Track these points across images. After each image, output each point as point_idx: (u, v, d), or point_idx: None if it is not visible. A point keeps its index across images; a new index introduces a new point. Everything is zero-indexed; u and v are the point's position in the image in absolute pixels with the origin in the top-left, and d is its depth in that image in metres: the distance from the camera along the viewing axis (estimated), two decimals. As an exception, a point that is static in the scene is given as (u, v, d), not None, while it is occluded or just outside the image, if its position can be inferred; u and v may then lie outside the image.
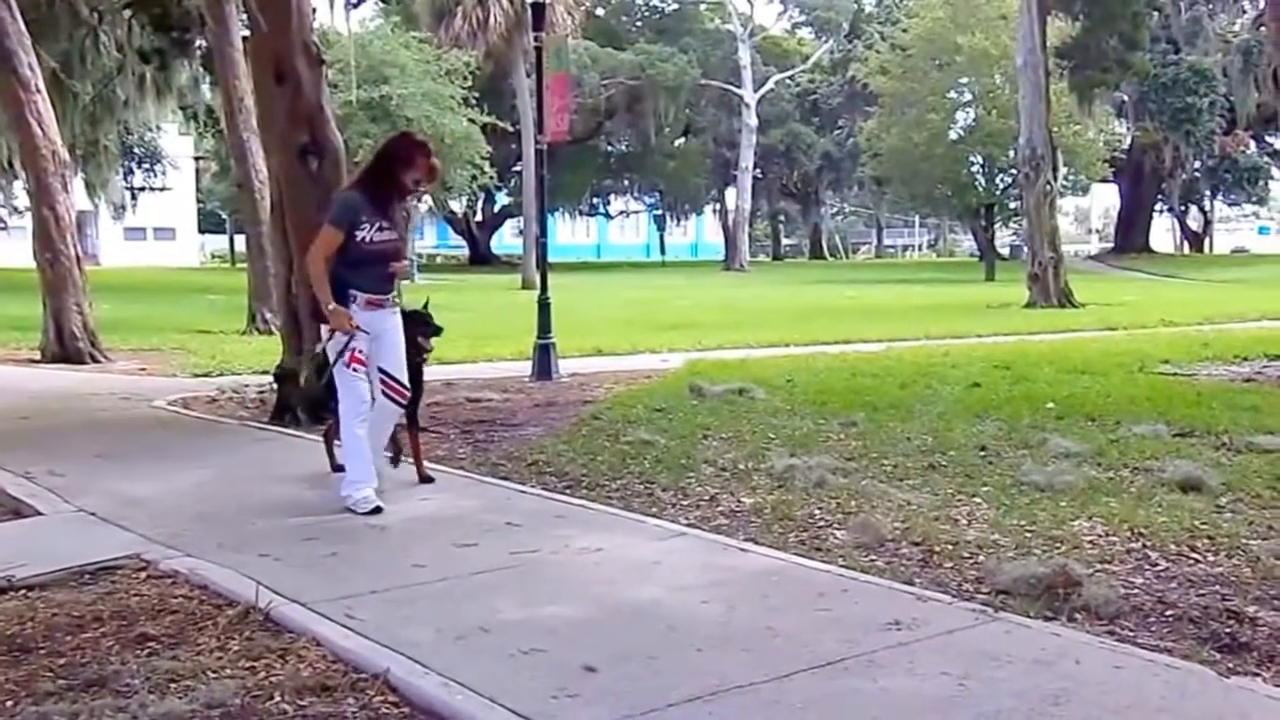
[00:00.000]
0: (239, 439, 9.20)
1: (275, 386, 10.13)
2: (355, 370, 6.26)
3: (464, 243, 69.01)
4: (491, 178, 29.65)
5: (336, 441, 6.88)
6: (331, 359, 6.32)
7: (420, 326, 6.93)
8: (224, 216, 62.21)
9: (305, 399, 9.30)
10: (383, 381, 6.40)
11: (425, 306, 7.12)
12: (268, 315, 18.88)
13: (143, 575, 5.19)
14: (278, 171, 10.06)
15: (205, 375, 13.67)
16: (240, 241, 42.32)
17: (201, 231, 73.36)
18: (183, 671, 3.96)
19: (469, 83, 28.63)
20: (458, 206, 59.47)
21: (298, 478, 7.46)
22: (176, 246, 66.47)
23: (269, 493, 6.98)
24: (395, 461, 7.22)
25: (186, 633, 4.39)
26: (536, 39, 14.07)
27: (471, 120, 28.14)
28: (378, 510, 6.17)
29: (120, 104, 27.29)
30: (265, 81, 9.94)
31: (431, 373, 13.09)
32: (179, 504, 6.68)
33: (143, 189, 54.33)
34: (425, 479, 7.03)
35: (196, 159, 59.79)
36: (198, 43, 21.03)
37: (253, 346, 16.93)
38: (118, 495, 6.86)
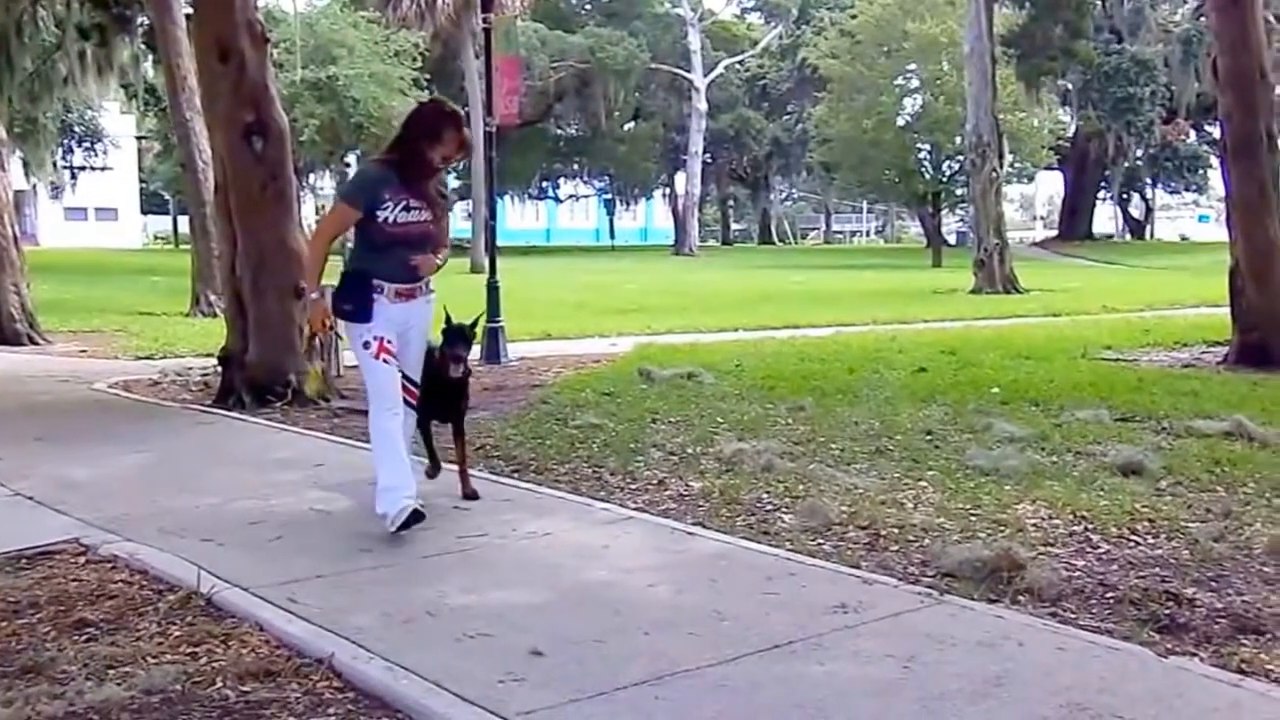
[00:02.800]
0: (182, 422, 9.08)
1: (219, 369, 10.01)
2: (387, 361, 5.44)
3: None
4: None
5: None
6: (354, 344, 5.53)
7: (456, 345, 5.96)
8: (167, 197, 61.35)
9: (249, 381, 9.22)
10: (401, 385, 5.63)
11: (474, 324, 6.23)
12: (212, 297, 18.66)
13: (81, 560, 5.11)
14: (222, 151, 9.93)
15: (147, 358, 13.49)
16: (184, 222, 41.79)
17: (144, 212, 72.32)
18: (122, 657, 3.90)
19: (418, 64, 28.40)
20: (405, 189, 59.03)
21: (242, 461, 7.38)
22: (118, 227, 65.49)
23: (213, 476, 6.89)
24: (433, 472, 6.36)
25: (126, 618, 4.32)
26: (485, 20, 13.96)
27: (420, 102, 28.00)
28: (419, 516, 5.26)
29: (60, 81, 26.79)
30: (209, 60, 9.81)
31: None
32: (120, 488, 6.59)
33: (83, 168, 53.49)
34: (471, 494, 6.08)
35: (139, 138, 58.90)
36: (139, 19, 20.72)
37: (196, 329, 16.74)
38: (56, 479, 6.75)
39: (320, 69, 26.29)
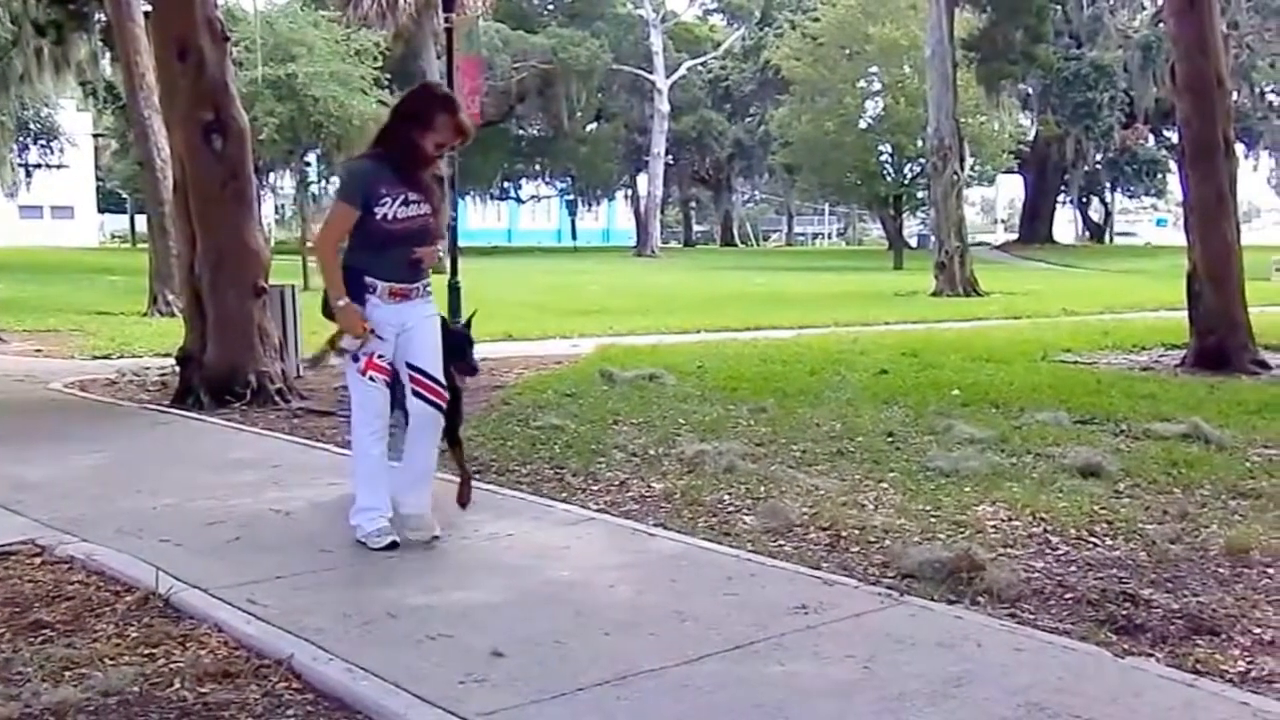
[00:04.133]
0: (139, 422, 8.99)
1: (177, 369, 9.92)
2: (374, 379, 5.07)
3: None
4: (400, 160, 29.30)
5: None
6: (346, 358, 5.19)
7: (459, 357, 5.52)
8: (124, 196, 60.70)
9: (208, 381, 9.14)
10: (415, 380, 5.14)
11: (468, 324, 5.94)
12: (170, 297, 18.49)
13: (37, 561, 5.04)
14: (181, 150, 9.84)
15: (104, 357, 13.35)
16: (141, 221, 41.40)
17: (101, 211, 71.59)
18: (78, 659, 3.85)
19: (379, 63, 28.23)
20: (366, 189, 58.67)
21: (200, 462, 7.31)
22: (75, 226, 64.77)
23: (171, 477, 6.82)
24: (463, 501, 5.79)
25: (83, 620, 4.27)
26: (447, 20, 13.95)
27: (381, 102, 27.72)
28: (394, 545, 5.05)
29: (16, 78, 26.50)
30: (168, 58, 9.72)
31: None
32: (76, 488, 6.51)
33: (39, 166, 52.86)
34: (464, 503, 5.76)
35: (96, 136, 58.19)
36: (97, 16, 20.51)
37: (154, 328, 16.57)
38: (11, 479, 6.65)
39: (280, 67, 26.07)
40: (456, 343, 5.53)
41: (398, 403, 5.25)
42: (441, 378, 5.20)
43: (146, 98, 18.10)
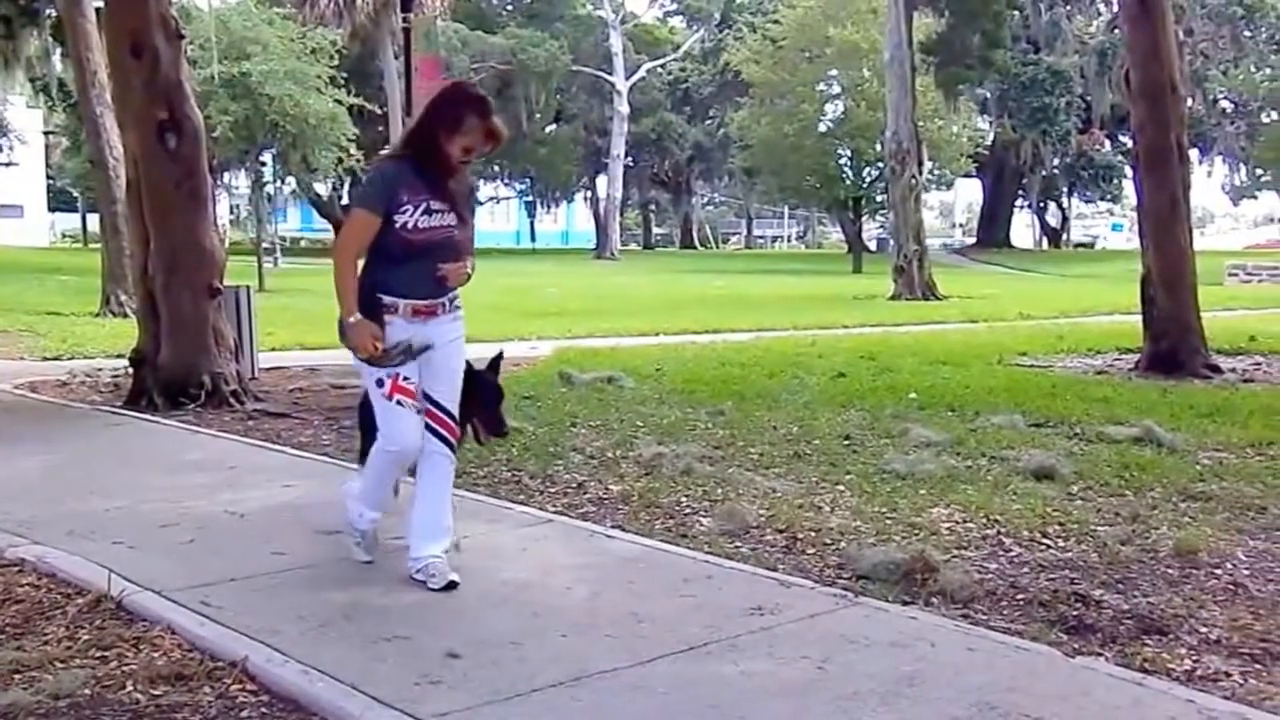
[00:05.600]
0: (91, 424, 8.90)
1: (130, 370, 9.83)
2: (402, 403, 4.60)
3: (329, 227, 67.76)
4: (358, 160, 29.04)
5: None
6: (367, 382, 4.70)
7: (484, 409, 5.01)
8: (76, 194, 60.00)
9: (161, 383, 9.05)
10: (430, 414, 4.71)
11: (496, 366, 5.24)
12: (123, 297, 18.27)
13: (-14, 564, 4.99)
14: (134, 148, 9.74)
15: (55, 358, 13.18)
16: (93, 220, 40.91)
17: (52, 210, 70.60)
18: (28, 662, 3.81)
19: (335, 62, 28.02)
20: (323, 189, 58.20)
21: (154, 463, 7.25)
22: (24, 225, 63.74)
23: (123, 479, 6.75)
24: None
25: (33, 622, 4.23)
26: (405, 20, 13.84)
27: (338, 101, 27.54)
28: (370, 562, 4.87)
29: (-36, 74, 26.15)
30: (120, 55, 9.61)
31: (295, 358, 12.94)
32: (27, 490, 6.43)
33: (-12, 164, 52.15)
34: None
35: (47, 134, 57.45)
36: (48, 11, 20.27)
37: (107, 329, 16.38)
38: (-40, 481, 6.57)
39: (234, 65, 25.82)
40: (484, 393, 4.99)
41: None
42: (456, 412, 4.76)
43: (98, 95, 17.89)
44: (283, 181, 39.06)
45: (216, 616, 4.22)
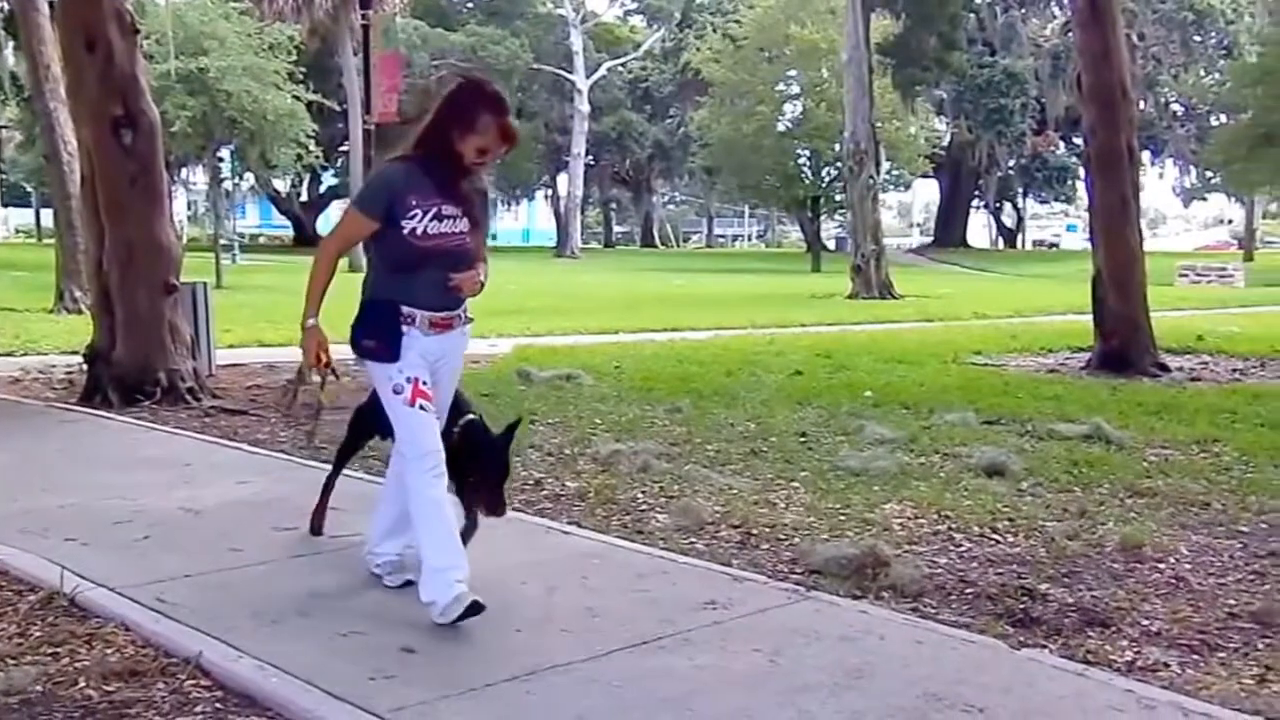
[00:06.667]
0: (45, 421, 8.83)
1: (85, 367, 9.76)
2: (424, 408, 4.27)
3: (289, 223, 67.39)
4: (317, 157, 28.91)
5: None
6: (382, 389, 4.33)
7: (486, 481, 4.64)
8: (29, 189, 59.25)
9: (116, 379, 9.00)
10: None
11: (511, 434, 4.71)
12: (77, 293, 18.08)
13: (-63, 562, 4.96)
14: (88, 143, 9.67)
15: (8, 355, 13.04)
16: (48, 216, 40.39)
17: (5, 205, 69.70)
18: (-21, 660, 3.81)
19: (294, 58, 27.87)
20: (282, 186, 58.03)
21: (108, 460, 7.21)
22: (-23, 220, 63.06)
23: (77, 476, 6.72)
24: (317, 529, 5.33)
25: (-16, 620, 4.22)
26: (364, 16, 13.84)
27: (296, 97, 27.40)
28: (477, 608, 4.11)
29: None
30: (75, 49, 9.54)
31: (253, 355, 12.88)
32: (-22, 488, 6.39)
33: (-61, 159, 51.42)
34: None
35: (0, 128, 56.75)
36: (0, 5, 20.02)
37: (61, 325, 16.22)
38: (-89, 479, 6.52)
39: (191, 61, 25.62)
40: (491, 465, 4.60)
41: (385, 429, 4.58)
42: (443, 421, 4.46)
43: (52, 89, 17.69)
44: (241, 178, 38.84)
45: (171, 613, 4.22)
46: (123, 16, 9.50)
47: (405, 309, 4.25)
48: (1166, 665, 3.88)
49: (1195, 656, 3.97)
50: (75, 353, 10.93)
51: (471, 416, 4.64)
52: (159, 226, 9.65)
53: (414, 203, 4.20)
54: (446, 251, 4.25)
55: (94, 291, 10.13)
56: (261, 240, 67.63)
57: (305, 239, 62.37)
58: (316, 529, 5.31)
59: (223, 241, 31.51)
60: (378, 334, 4.25)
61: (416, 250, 4.20)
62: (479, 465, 4.56)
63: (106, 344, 9.56)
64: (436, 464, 4.26)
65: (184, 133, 25.51)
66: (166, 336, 9.52)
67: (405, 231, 4.19)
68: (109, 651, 3.90)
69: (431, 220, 4.21)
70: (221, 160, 31.53)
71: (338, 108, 38.10)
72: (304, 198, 64.11)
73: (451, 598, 4.11)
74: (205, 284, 11.28)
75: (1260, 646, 4.06)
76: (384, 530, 4.68)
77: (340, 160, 51.94)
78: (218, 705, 3.52)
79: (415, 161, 4.31)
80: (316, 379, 4.59)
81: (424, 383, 4.26)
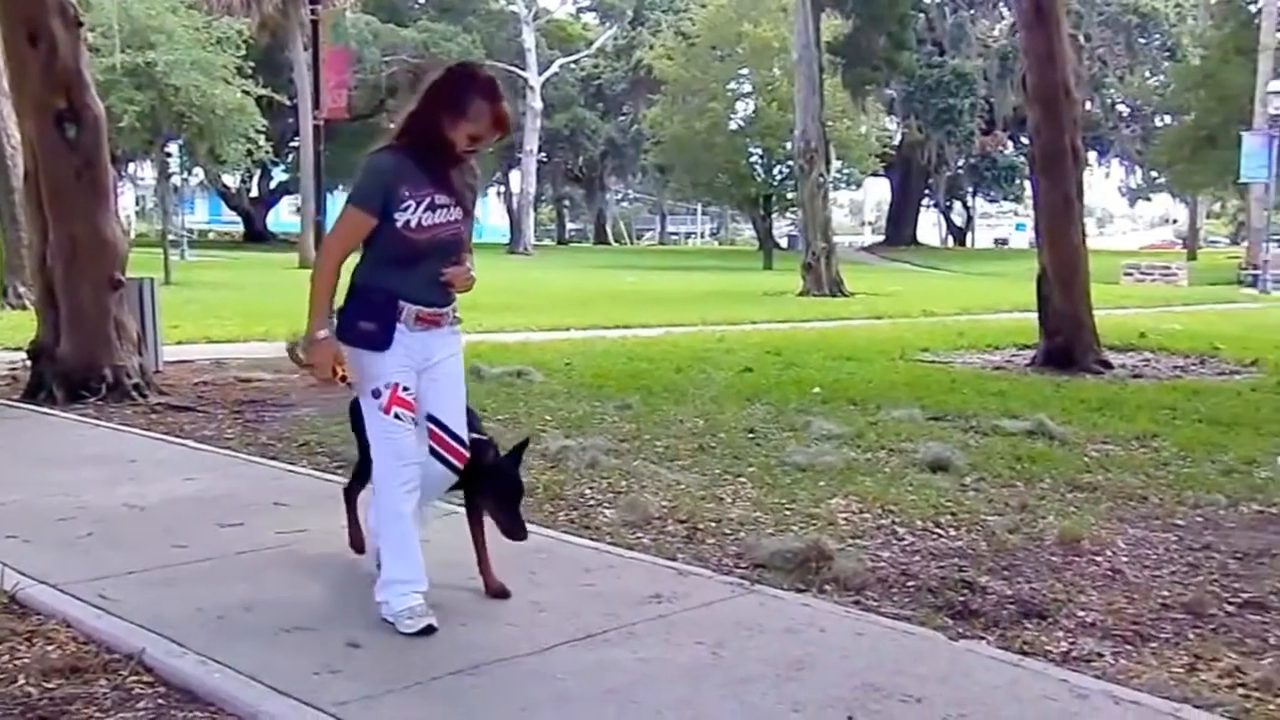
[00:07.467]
0: (-13, 418, 8.74)
1: (29, 363, 9.65)
2: (400, 417, 4.10)
3: (239, 219, 66.80)
4: (268, 152, 28.69)
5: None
6: (360, 389, 4.19)
7: (501, 511, 4.45)
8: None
9: (61, 376, 8.91)
10: (434, 435, 4.25)
11: (519, 455, 4.58)
12: (21, 289, 17.86)
13: (-125, 560, 4.90)
14: (32, 138, 9.57)
15: (-50, 351, 12.87)
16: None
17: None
18: (-82, 657, 3.77)
19: (243, 52, 27.62)
20: (232, 181, 57.49)
21: (52, 457, 7.15)
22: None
23: (19, 473, 6.66)
24: (359, 546, 4.84)
25: (-77, 618, 4.18)
26: (313, 11, 13.76)
27: (246, 92, 27.16)
28: (431, 630, 4.03)
29: None
30: (17, 42, 9.43)
31: (201, 351, 12.79)
32: (-82, 485, 6.31)
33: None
34: (498, 592, 4.49)
35: (-57, 121, 55.82)
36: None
37: (4, 321, 16.00)
38: None
39: (138, 54, 25.31)
40: (501, 488, 4.44)
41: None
42: (465, 434, 4.32)
43: (-6, 83, 17.45)
44: (190, 173, 38.43)
45: (114, 609, 4.20)
46: (66, 9, 9.40)
47: (398, 302, 4.10)
48: (1100, 655, 3.96)
49: (1128, 646, 4.06)
50: (19, 349, 10.78)
51: (478, 436, 4.46)
52: (104, 221, 9.56)
53: (407, 194, 4.04)
54: (441, 243, 4.13)
55: (38, 287, 10.03)
56: (211, 236, 66.97)
57: (255, 235, 61.91)
58: (358, 547, 4.86)
59: (171, 237, 31.18)
60: (374, 317, 4.07)
61: (412, 244, 4.06)
62: (490, 488, 4.43)
63: (51, 340, 9.46)
64: (408, 479, 4.14)
65: (131, 127, 25.21)
66: (112, 332, 9.44)
67: (400, 225, 4.04)
68: (50, 648, 3.88)
69: (425, 211, 4.06)
70: (169, 155, 31.21)
71: (288, 103, 37.89)
72: (254, 193, 63.59)
73: (406, 608, 4.07)
74: (152, 280, 11.18)
75: (1191, 636, 4.16)
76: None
77: (291, 156, 51.64)
78: (160, 701, 3.51)
79: (403, 151, 4.13)
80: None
81: (404, 389, 4.10)
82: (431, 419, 4.22)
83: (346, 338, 4.12)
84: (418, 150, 4.10)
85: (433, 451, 4.24)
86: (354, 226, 4.11)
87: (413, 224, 4.03)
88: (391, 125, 4.39)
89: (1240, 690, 3.67)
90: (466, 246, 4.29)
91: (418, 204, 4.04)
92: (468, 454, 4.31)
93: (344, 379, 4.13)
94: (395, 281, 4.09)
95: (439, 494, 4.46)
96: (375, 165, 4.15)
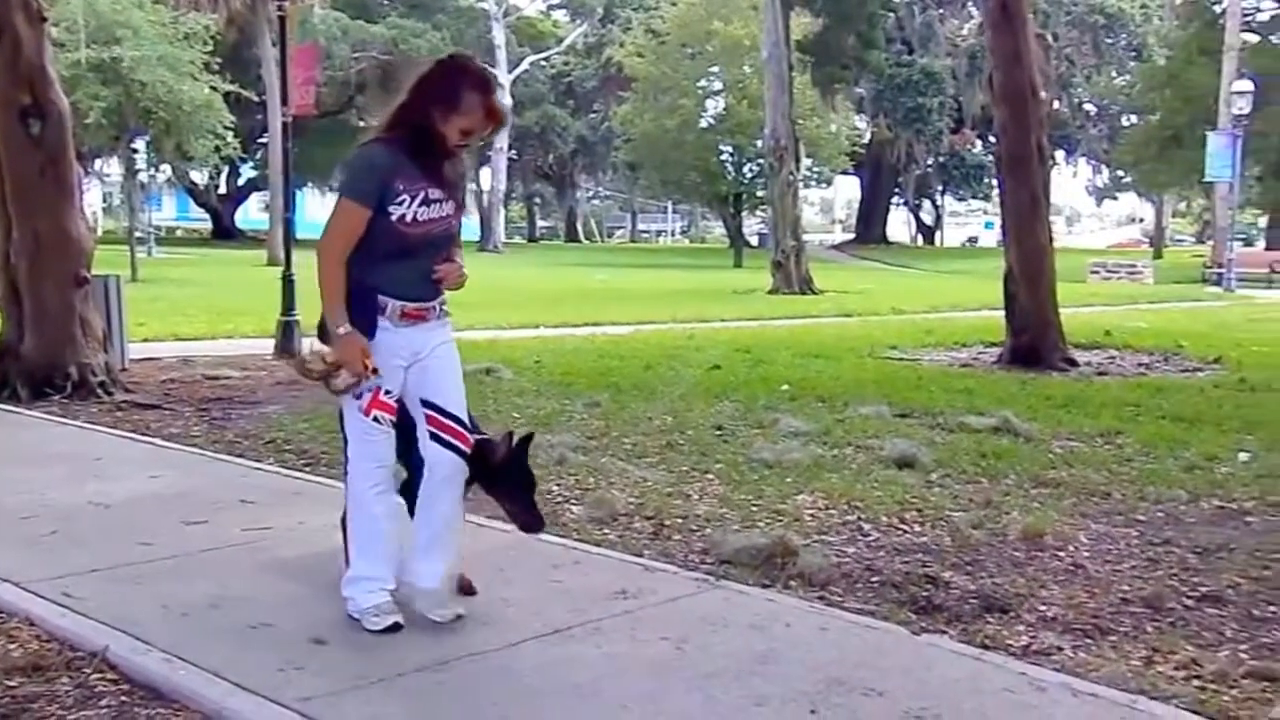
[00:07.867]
0: (-50, 416, 8.67)
1: (-8, 361, 9.58)
2: (379, 420, 4.07)
3: (206, 216, 66.37)
4: (236, 149, 28.56)
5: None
6: (342, 397, 4.10)
7: (515, 502, 4.37)
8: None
9: (25, 373, 8.84)
10: (433, 420, 4.11)
11: (525, 447, 4.37)
12: (-15, 286, 17.69)
13: None
14: (-5, 133, 9.49)
15: (-87, 348, 12.74)
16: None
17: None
18: (-122, 657, 3.75)
19: (210, 48, 27.45)
20: (199, 178, 57.16)
21: (15, 456, 7.10)
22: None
23: (-17, 472, 6.61)
24: (467, 587, 4.45)
25: (-116, 617, 4.15)
26: (280, 7, 13.66)
27: (213, 88, 27.02)
28: (397, 627, 4.01)
29: None
30: (-21, 37, 9.35)
31: (168, 349, 12.72)
32: (-121, 484, 6.26)
33: None
34: (466, 589, 4.41)
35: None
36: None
37: (-32, 319, 15.87)
38: None
39: (104, 50, 25.12)
40: (513, 478, 4.32)
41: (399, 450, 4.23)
42: (465, 417, 4.18)
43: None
44: (157, 169, 38.16)
45: (77, 607, 4.18)
46: (30, 4, 9.32)
47: (380, 297, 4.01)
48: (1060, 649, 4.01)
49: (1088, 640, 4.10)
50: (-18, 347, 10.70)
51: (481, 436, 4.33)
52: (69, 218, 9.50)
53: (401, 188, 3.95)
54: (434, 237, 4.05)
55: (2, 284, 9.94)
56: (179, 233, 66.50)
57: (223, 232, 61.52)
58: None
59: (138, 234, 30.97)
60: (356, 316, 3.98)
61: (406, 238, 3.98)
62: (499, 481, 4.31)
63: (15, 337, 9.39)
64: (380, 481, 4.10)
65: (97, 123, 25.03)
66: (77, 330, 9.38)
67: (394, 219, 3.95)
68: (12, 646, 3.86)
69: (420, 205, 3.98)
70: (136, 151, 30.98)
71: (256, 99, 37.66)
72: (222, 190, 63.21)
73: (372, 605, 4.05)
74: (118, 277, 11.11)
75: (1149, 630, 4.21)
76: (415, 551, 4.22)
77: (259, 152, 51.31)
78: (123, 699, 3.50)
79: (395, 143, 4.03)
80: (350, 381, 4.01)
81: (386, 392, 4.04)
82: (426, 403, 4.12)
83: (324, 337, 4.08)
84: (409, 143, 4.01)
85: (434, 437, 4.11)
86: (349, 220, 4.00)
87: (407, 218, 3.97)
88: (361, 122, 4.39)
89: (1196, 682, 3.72)
90: (457, 241, 4.25)
91: (412, 198, 3.97)
92: (470, 435, 4.18)
93: (375, 370, 3.98)
94: (381, 277, 4.00)
95: (459, 489, 4.21)
96: (369, 158, 4.09)
